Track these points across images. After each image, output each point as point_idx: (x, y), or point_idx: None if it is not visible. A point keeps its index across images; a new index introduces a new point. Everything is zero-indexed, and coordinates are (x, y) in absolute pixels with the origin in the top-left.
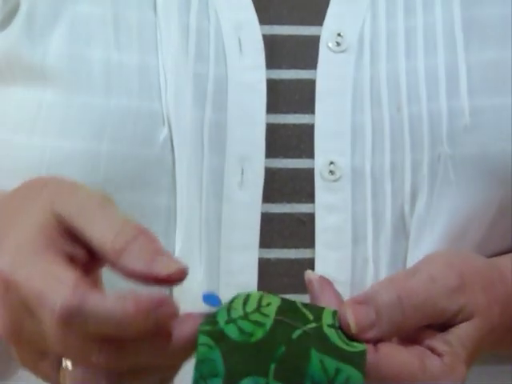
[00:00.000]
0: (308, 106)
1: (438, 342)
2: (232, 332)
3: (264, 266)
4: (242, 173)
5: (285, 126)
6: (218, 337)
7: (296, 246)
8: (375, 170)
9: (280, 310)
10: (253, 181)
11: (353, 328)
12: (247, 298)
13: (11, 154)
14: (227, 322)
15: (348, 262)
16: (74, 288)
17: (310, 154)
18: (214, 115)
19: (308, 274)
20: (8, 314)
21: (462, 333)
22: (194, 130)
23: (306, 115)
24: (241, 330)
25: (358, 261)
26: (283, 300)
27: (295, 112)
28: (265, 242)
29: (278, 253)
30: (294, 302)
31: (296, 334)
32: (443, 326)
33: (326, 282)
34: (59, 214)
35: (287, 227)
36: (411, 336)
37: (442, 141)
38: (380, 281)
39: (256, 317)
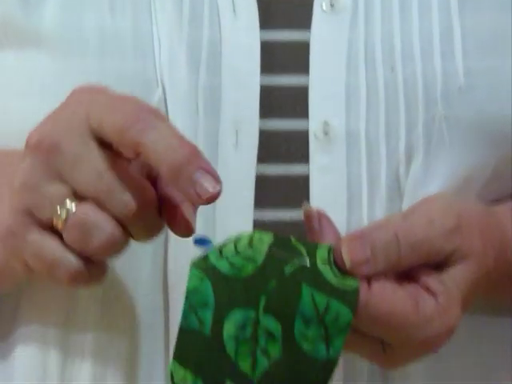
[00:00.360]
0: (302, 67)
1: (432, 281)
2: (223, 267)
3: (259, 228)
4: (237, 135)
5: (279, 87)
6: (209, 270)
7: (291, 207)
8: (370, 131)
9: (273, 246)
10: (247, 142)
11: (347, 263)
12: (239, 239)
13: (7, 118)
14: (218, 259)
15: (343, 223)
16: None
17: (305, 116)
18: (208, 78)
19: (306, 207)
20: (34, 170)
21: (457, 273)
22: (188, 93)
23: (301, 76)
24: (232, 265)
25: (353, 222)
26: (276, 236)
27: (289, 73)
28: (260, 204)
29: (273, 214)
30: (288, 238)
31: (288, 269)
32: (438, 266)
33: (324, 216)
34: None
35: (282, 188)
36: (406, 273)
37: (437, 102)
38: (377, 220)
39: (247, 253)
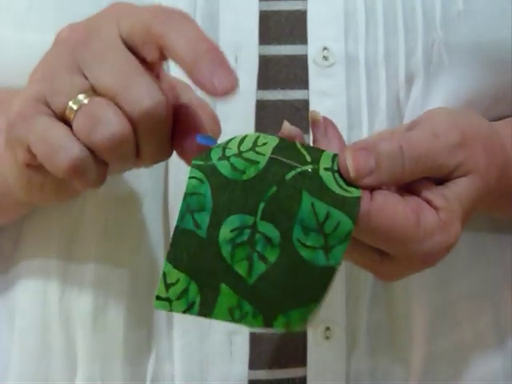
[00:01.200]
0: None
1: (435, 195)
2: (224, 168)
3: None
4: (236, 60)
5: (278, 12)
6: (210, 172)
7: None
8: (369, 55)
9: (277, 149)
10: (247, 68)
11: (351, 172)
12: (243, 138)
13: (3, 49)
14: (220, 159)
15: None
16: None
17: (304, 41)
18: (206, 3)
19: (312, 113)
20: (57, 61)
21: (459, 188)
22: None
23: (299, 1)
24: (233, 167)
25: None
26: (281, 139)
27: None
28: (260, 129)
29: None
30: (293, 142)
31: (290, 174)
32: (441, 181)
33: (330, 124)
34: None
35: (282, 114)
36: (408, 186)
37: (436, 27)
38: (381, 131)
39: (250, 155)
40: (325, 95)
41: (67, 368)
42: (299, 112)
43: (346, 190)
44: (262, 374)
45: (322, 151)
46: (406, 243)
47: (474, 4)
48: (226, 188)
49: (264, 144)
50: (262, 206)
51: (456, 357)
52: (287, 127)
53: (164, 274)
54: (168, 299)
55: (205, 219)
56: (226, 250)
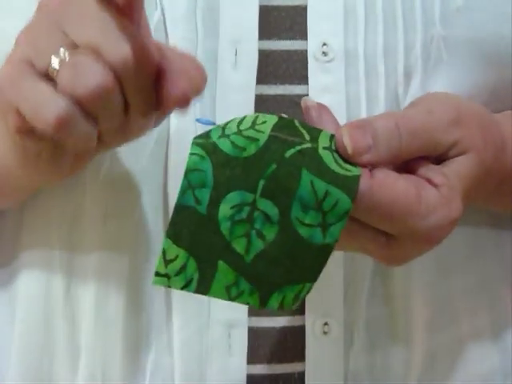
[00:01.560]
0: None
1: (434, 173)
2: (224, 145)
3: None
4: (236, 54)
5: (278, 7)
6: (211, 149)
7: None
8: (368, 50)
9: (276, 127)
10: (247, 62)
11: (349, 149)
12: (243, 118)
13: (5, 40)
14: (220, 137)
15: None
16: None
17: (304, 36)
18: None
19: (305, 100)
20: (38, 24)
21: (457, 166)
22: (187, 13)
23: None
24: (233, 144)
25: None
26: (280, 118)
27: None
28: None
29: None
30: (291, 120)
31: (289, 152)
32: (439, 160)
33: (323, 107)
34: None
35: (281, 109)
36: (407, 167)
37: (435, 22)
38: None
39: (250, 133)
40: (324, 90)
41: (70, 360)
42: (298, 107)
43: (346, 169)
44: (260, 369)
45: (320, 130)
46: (408, 219)
47: (473, 0)
48: (226, 165)
49: (263, 122)
50: (261, 183)
51: (454, 352)
52: (308, 103)
53: (164, 251)
54: (167, 275)
55: (205, 196)
56: (225, 227)
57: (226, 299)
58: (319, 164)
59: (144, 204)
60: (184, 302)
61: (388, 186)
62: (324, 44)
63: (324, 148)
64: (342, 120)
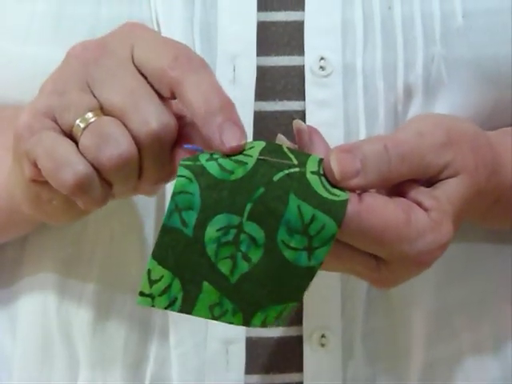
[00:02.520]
0: (298, 2)
1: (424, 196)
2: (212, 168)
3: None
4: (234, 70)
5: (275, 23)
6: (199, 171)
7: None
8: (367, 66)
9: (264, 151)
10: (245, 78)
11: (337, 174)
12: None
13: (5, 62)
14: (208, 160)
15: None
16: None
17: (301, 51)
18: (204, 14)
19: (296, 123)
20: (67, 77)
21: (448, 189)
22: (184, 30)
23: (297, 12)
24: (221, 167)
25: None
26: (268, 143)
27: (285, 9)
28: (258, 139)
29: None
30: (280, 146)
31: (277, 176)
32: (429, 183)
33: (314, 131)
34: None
35: (279, 125)
36: (397, 190)
37: (436, 42)
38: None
39: (238, 157)
40: (322, 105)
41: (69, 373)
42: None
43: (333, 194)
44: (258, 379)
45: (309, 155)
46: (398, 243)
47: (474, 19)
48: (214, 187)
49: (251, 148)
50: (249, 206)
51: (454, 365)
52: (299, 123)
53: (149, 271)
54: (151, 295)
55: (192, 218)
56: (210, 249)
57: (209, 318)
58: (307, 188)
59: (146, 223)
60: (180, 320)
61: (377, 210)
62: (321, 58)
63: (312, 172)
64: (339, 135)
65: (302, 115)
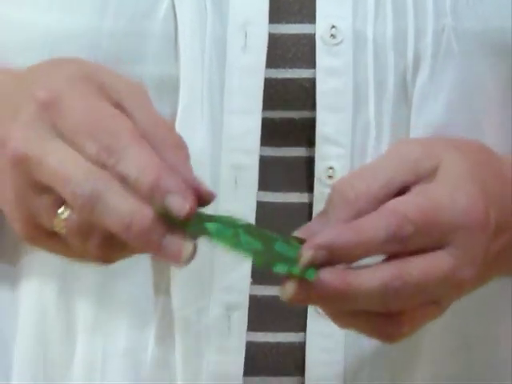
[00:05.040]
0: None
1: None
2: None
3: (267, 128)
4: (246, 37)
5: None
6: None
7: (297, 109)
8: (377, 35)
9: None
10: (256, 45)
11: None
12: None
13: (14, 29)
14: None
15: (348, 124)
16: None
17: (312, 19)
18: None
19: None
20: (13, 191)
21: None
22: None
23: None
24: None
25: (360, 124)
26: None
27: None
28: (268, 107)
29: (281, 115)
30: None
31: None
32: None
33: None
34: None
35: (289, 92)
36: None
37: (446, 13)
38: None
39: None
40: (332, 73)
41: (65, 339)
42: (306, 90)
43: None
44: (261, 336)
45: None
46: None
47: None
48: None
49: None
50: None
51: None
52: None
53: None
54: None
55: None
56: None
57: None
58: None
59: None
60: (183, 284)
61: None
62: (333, 27)
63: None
64: (348, 103)
65: (311, 83)
